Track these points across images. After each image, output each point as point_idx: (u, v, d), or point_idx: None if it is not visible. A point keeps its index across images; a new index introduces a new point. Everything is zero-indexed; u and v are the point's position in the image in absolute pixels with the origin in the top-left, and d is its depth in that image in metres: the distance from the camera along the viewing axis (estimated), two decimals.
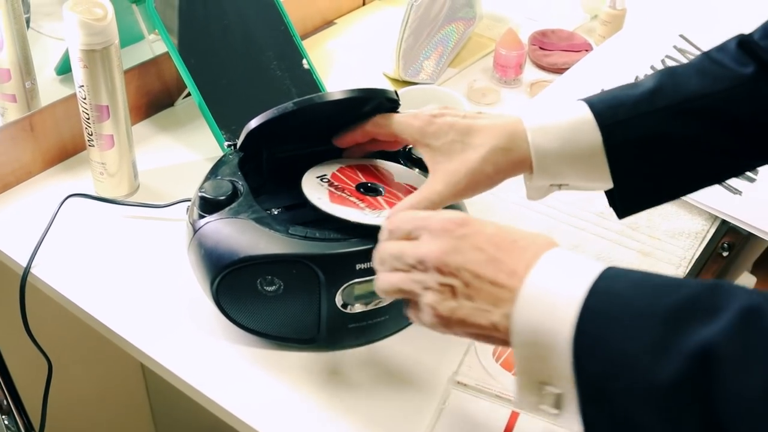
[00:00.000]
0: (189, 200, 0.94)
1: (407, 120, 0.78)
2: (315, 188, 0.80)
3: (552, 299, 0.55)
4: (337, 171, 0.83)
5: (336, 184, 0.81)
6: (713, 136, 0.74)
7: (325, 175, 0.82)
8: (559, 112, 0.74)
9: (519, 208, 1.02)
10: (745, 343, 0.48)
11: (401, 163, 0.87)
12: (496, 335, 0.59)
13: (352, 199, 0.79)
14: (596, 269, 0.55)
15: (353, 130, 0.82)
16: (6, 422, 1.08)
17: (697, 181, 0.79)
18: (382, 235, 0.66)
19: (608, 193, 0.77)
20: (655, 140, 0.73)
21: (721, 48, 0.76)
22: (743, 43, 0.75)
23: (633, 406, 0.51)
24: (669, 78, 0.75)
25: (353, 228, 0.76)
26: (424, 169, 0.83)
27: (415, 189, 0.80)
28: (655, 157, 0.74)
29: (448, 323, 0.61)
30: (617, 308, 0.53)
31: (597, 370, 0.53)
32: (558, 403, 0.56)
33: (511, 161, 0.74)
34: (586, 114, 0.73)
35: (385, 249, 0.65)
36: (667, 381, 0.49)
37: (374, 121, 0.80)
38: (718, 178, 0.81)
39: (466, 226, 0.61)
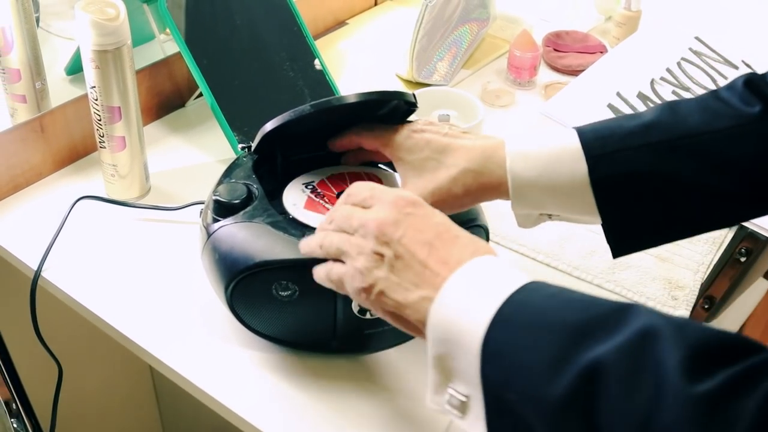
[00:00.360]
0: (202, 203, 0.93)
1: (387, 132, 0.77)
2: (296, 194, 0.80)
3: (471, 300, 0.56)
4: (327, 178, 0.83)
5: (318, 191, 0.81)
6: (709, 177, 0.69)
7: (312, 181, 0.82)
8: (546, 139, 0.72)
9: None
10: (634, 363, 0.48)
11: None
12: (410, 317, 0.60)
13: (328, 206, 0.79)
14: (521, 280, 0.56)
15: (343, 136, 0.81)
16: (15, 425, 1.07)
17: (692, 225, 0.74)
18: (341, 199, 0.68)
19: (604, 229, 0.73)
20: (645, 177, 0.69)
21: (730, 86, 0.72)
22: (751, 81, 0.71)
23: (530, 418, 0.51)
24: (669, 112, 0.71)
25: None
26: None
27: None
28: (645, 195, 0.70)
29: (369, 292, 0.62)
30: (527, 319, 0.53)
31: (498, 378, 0.53)
32: (463, 406, 0.57)
33: (483, 185, 0.73)
34: (574, 143, 0.70)
35: (337, 209, 0.66)
36: (557, 395, 0.49)
37: (358, 129, 0.79)
38: (716, 224, 0.76)
39: (415, 206, 0.63)
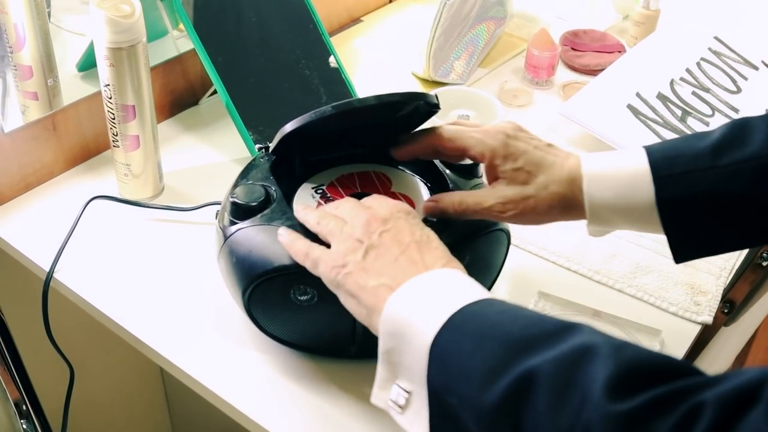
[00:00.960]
0: (217, 203, 0.91)
1: (479, 136, 0.75)
2: (306, 200, 0.79)
3: (428, 303, 0.59)
4: (336, 180, 0.82)
5: (328, 195, 0.80)
6: None
7: (321, 185, 0.81)
8: (618, 159, 0.72)
9: None
10: (565, 375, 0.49)
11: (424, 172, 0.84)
12: (365, 301, 0.62)
13: None
14: (481, 295, 0.59)
15: (413, 142, 0.78)
16: (25, 426, 1.06)
17: (755, 239, 0.74)
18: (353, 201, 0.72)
19: (667, 238, 0.74)
20: (711, 198, 0.69)
21: None
22: None
23: (469, 422, 0.53)
24: (739, 131, 0.70)
25: None
26: (460, 171, 0.81)
27: (410, 198, 0.80)
28: (710, 214, 0.70)
29: (338, 272, 0.65)
30: (476, 328, 0.55)
31: (442, 381, 0.55)
32: (406, 402, 0.59)
33: (564, 208, 0.73)
34: (643, 165, 0.70)
35: (347, 202, 0.71)
36: (492, 401, 0.51)
37: (438, 134, 0.76)
38: None
39: (408, 215, 0.68)
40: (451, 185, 0.80)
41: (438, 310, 0.57)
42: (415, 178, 0.83)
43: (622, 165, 0.71)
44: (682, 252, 0.73)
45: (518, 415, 0.50)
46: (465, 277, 0.62)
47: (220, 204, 0.80)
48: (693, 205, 0.69)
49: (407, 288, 0.61)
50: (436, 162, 0.83)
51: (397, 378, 0.60)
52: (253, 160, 0.83)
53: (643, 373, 0.47)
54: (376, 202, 0.69)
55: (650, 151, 0.71)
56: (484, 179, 0.79)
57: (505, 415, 0.51)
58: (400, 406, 0.59)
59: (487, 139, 0.74)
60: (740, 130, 0.70)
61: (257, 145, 0.85)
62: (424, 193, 0.81)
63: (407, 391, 0.58)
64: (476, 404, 0.52)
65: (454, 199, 0.74)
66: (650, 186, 0.69)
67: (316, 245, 0.68)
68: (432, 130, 0.77)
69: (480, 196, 0.74)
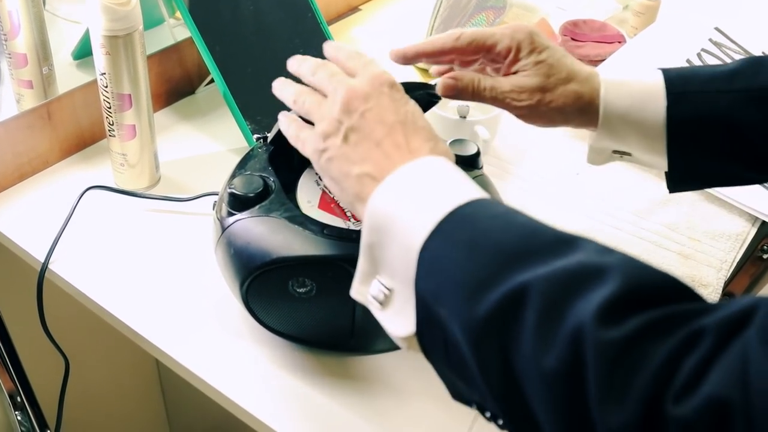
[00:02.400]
0: (214, 194, 0.90)
1: (506, 31, 0.75)
2: (310, 189, 0.78)
3: (417, 201, 0.55)
4: None
5: None
6: None
7: None
8: (636, 74, 0.73)
9: (556, 207, 0.99)
10: (559, 297, 0.46)
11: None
12: (349, 189, 0.60)
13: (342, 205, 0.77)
14: (471, 194, 0.55)
15: (422, 44, 0.78)
16: (19, 418, 1.05)
17: (757, 174, 0.75)
18: (332, 51, 0.69)
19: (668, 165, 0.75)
20: (722, 121, 0.70)
21: None
22: None
23: (457, 335, 0.50)
24: (753, 64, 0.71)
25: None
26: (461, 163, 0.79)
27: None
28: (716, 140, 0.71)
29: (319, 156, 0.62)
30: (467, 236, 0.52)
31: (431, 291, 0.52)
32: (386, 299, 0.56)
33: (579, 111, 0.73)
34: (659, 80, 0.71)
35: (326, 65, 0.67)
36: (480, 315, 0.48)
37: (455, 36, 0.76)
38: None
39: (392, 88, 0.63)
40: None
41: (428, 210, 0.54)
42: None
43: (639, 78, 0.72)
44: (678, 179, 0.74)
45: (505, 333, 0.48)
46: (453, 168, 0.58)
47: (217, 194, 0.79)
48: (701, 127, 0.70)
49: (393, 180, 0.57)
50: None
51: (378, 273, 0.57)
52: (251, 150, 0.82)
53: (640, 295, 0.45)
54: (361, 65, 0.65)
55: (667, 70, 0.72)
56: (484, 170, 0.78)
57: (492, 330, 0.48)
58: (380, 302, 0.56)
59: (514, 33, 0.74)
60: (757, 63, 0.72)
61: (255, 135, 0.84)
62: None
63: (388, 288, 0.56)
64: (464, 316, 0.50)
65: (474, 78, 0.73)
66: (663, 101, 0.70)
67: (305, 126, 0.66)
68: (446, 34, 0.76)
69: (498, 81, 0.73)
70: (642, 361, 0.42)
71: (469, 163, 0.81)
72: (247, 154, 0.81)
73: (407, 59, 0.78)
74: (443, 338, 0.52)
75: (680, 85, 0.70)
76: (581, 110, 0.73)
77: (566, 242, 0.50)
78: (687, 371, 0.41)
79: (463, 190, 0.56)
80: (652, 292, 0.45)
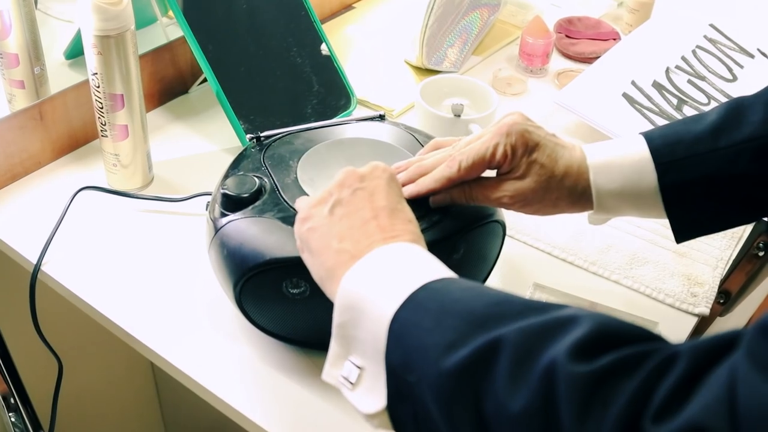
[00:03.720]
0: (207, 194, 0.90)
1: (496, 139, 0.72)
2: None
3: (389, 278, 0.56)
4: None
5: None
6: None
7: None
8: (620, 148, 0.72)
9: None
10: (533, 343, 0.46)
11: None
12: (325, 263, 0.60)
13: None
14: (444, 273, 0.56)
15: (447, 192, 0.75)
16: (13, 419, 1.05)
17: (756, 214, 0.76)
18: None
19: (669, 220, 0.75)
20: (712, 180, 0.70)
21: None
22: None
23: (427, 400, 0.50)
24: (734, 112, 0.71)
25: None
26: None
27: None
28: (712, 195, 0.71)
29: (302, 225, 0.63)
30: (437, 304, 0.53)
31: (400, 359, 0.52)
32: (357, 379, 0.56)
33: (573, 202, 0.73)
34: (645, 152, 0.71)
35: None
36: (449, 369, 0.48)
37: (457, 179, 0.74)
38: None
39: (389, 179, 0.65)
40: None
41: (399, 286, 0.54)
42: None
43: (624, 154, 0.72)
44: (684, 233, 0.74)
45: (478, 384, 0.47)
46: (428, 256, 0.59)
47: (210, 195, 0.79)
48: (695, 188, 0.70)
49: (369, 260, 0.58)
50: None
51: (350, 354, 0.57)
52: (245, 150, 0.81)
53: (612, 336, 0.45)
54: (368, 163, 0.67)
55: (650, 138, 0.72)
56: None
57: (464, 384, 0.48)
58: (351, 383, 0.56)
59: (507, 138, 0.71)
60: (735, 111, 0.72)
61: (248, 135, 0.83)
62: None
63: (359, 367, 0.56)
64: (433, 375, 0.49)
65: (464, 188, 0.73)
66: (653, 174, 0.70)
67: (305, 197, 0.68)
68: (444, 166, 0.73)
69: (489, 187, 0.73)
70: (616, 389, 0.42)
71: None
72: (241, 153, 0.81)
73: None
74: (413, 410, 0.52)
75: (667, 154, 0.70)
76: (575, 201, 0.73)
77: (536, 309, 0.50)
78: (664, 393, 0.41)
79: (436, 269, 0.57)
80: (624, 334, 0.46)
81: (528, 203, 0.72)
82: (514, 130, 0.71)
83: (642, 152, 0.71)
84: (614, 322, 0.47)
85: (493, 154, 0.71)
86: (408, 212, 0.63)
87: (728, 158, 0.69)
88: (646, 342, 0.45)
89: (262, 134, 0.83)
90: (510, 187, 0.72)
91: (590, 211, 0.74)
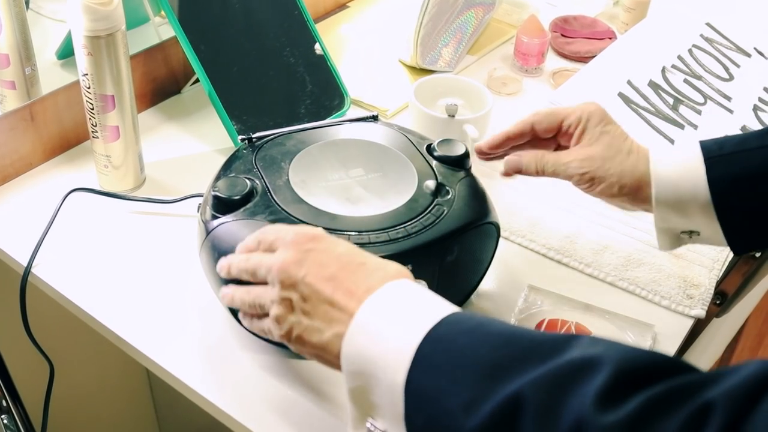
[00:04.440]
0: (199, 195, 0.89)
1: (579, 105, 0.79)
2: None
3: (387, 333, 0.54)
4: None
5: None
6: None
7: None
8: (678, 153, 0.76)
9: (547, 207, 0.97)
10: (552, 397, 0.46)
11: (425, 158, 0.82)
12: (328, 357, 0.58)
13: None
14: (439, 312, 0.54)
15: (508, 128, 0.81)
16: (5, 421, 1.04)
17: None
18: (249, 244, 0.65)
19: (723, 231, 0.76)
20: (758, 178, 0.72)
21: None
22: None
23: None
24: None
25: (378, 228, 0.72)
26: (451, 163, 0.80)
27: None
28: (758, 196, 0.72)
29: (289, 339, 0.60)
30: (447, 358, 0.52)
31: (422, 423, 0.52)
32: None
33: (636, 181, 0.76)
34: (696, 150, 0.74)
35: (250, 258, 0.64)
36: (474, 427, 0.48)
37: (533, 115, 0.80)
38: None
39: (315, 241, 0.61)
40: (439, 177, 0.78)
41: (402, 342, 0.53)
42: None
43: (679, 151, 0.75)
44: (739, 244, 0.76)
45: None
46: (410, 288, 0.57)
47: (202, 196, 0.78)
48: (742, 185, 0.72)
49: (357, 324, 0.56)
50: (423, 153, 0.81)
51: (369, 416, 0.56)
52: (236, 151, 0.81)
53: (635, 375, 0.44)
54: (275, 239, 0.63)
55: (703, 141, 0.75)
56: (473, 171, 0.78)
57: None
58: None
59: (587, 105, 0.79)
60: None
61: (240, 136, 0.82)
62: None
63: (381, 430, 0.56)
64: None
65: (537, 154, 0.78)
66: (702, 167, 0.73)
67: (262, 317, 0.64)
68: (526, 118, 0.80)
69: (559, 154, 0.78)
70: None
71: (456, 163, 0.80)
72: (232, 155, 0.80)
73: (496, 148, 0.83)
74: None
75: (715, 150, 0.73)
76: (636, 185, 0.76)
77: (546, 349, 0.49)
78: None
79: (429, 309, 0.55)
80: (647, 371, 0.45)
81: (595, 174, 0.76)
82: (594, 104, 0.79)
83: (694, 150, 0.74)
84: (633, 356, 0.46)
85: (569, 114, 0.78)
86: (357, 254, 0.61)
87: None
88: (672, 375, 0.44)
89: (253, 135, 0.82)
90: (581, 152, 0.76)
91: (656, 212, 0.76)
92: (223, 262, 0.66)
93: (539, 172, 0.79)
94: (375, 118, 0.87)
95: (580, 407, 0.43)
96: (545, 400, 0.46)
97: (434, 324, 0.53)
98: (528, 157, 0.79)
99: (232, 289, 0.65)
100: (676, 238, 0.78)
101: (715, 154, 0.73)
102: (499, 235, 0.80)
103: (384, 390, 0.54)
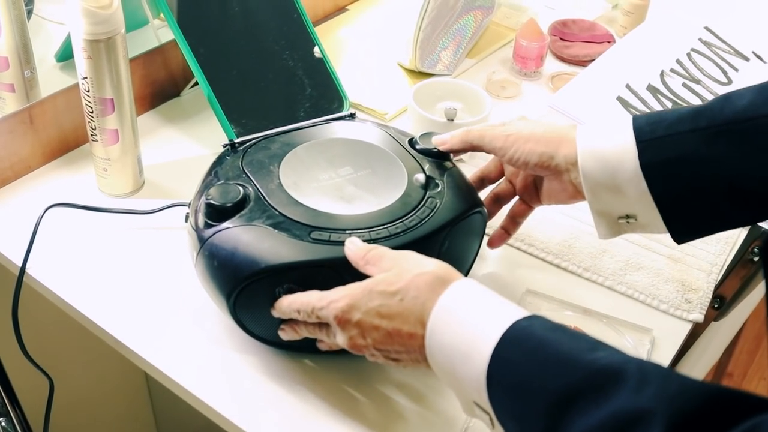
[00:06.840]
0: (181, 204, 0.88)
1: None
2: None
3: (462, 347, 0.60)
4: None
5: None
6: (757, 162, 0.67)
7: None
8: (607, 131, 0.73)
9: (545, 211, 0.97)
10: None
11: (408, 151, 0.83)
12: (411, 360, 0.65)
13: None
14: (501, 317, 0.59)
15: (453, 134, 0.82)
16: (3, 424, 1.04)
17: (751, 212, 0.71)
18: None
19: (663, 219, 0.73)
20: (692, 162, 0.68)
21: None
22: None
23: None
24: (722, 98, 0.70)
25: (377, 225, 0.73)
26: (434, 156, 0.82)
27: None
28: (695, 181, 0.69)
29: (371, 358, 0.68)
30: (513, 383, 0.56)
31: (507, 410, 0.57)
32: (491, 422, 0.59)
33: (562, 184, 0.76)
34: (629, 134, 0.71)
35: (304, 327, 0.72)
36: None
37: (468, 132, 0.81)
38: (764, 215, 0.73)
39: (353, 311, 0.65)
40: (426, 170, 0.80)
41: (474, 361, 0.58)
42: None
43: (611, 137, 0.72)
44: (679, 231, 0.73)
45: None
46: (465, 293, 0.63)
47: (184, 205, 0.77)
48: (675, 169, 0.69)
49: (431, 345, 0.62)
50: (406, 147, 0.82)
51: (473, 400, 0.61)
52: (218, 158, 0.81)
53: (704, 419, 0.44)
54: (324, 301, 0.68)
55: (636, 119, 0.71)
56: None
57: None
58: (487, 423, 0.60)
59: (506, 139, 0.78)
60: (723, 97, 0.70)
61: (222, 143, 0.83)
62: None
63: (487, 412, 0.59)
64: None
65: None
66: (633, 150, 0.69)
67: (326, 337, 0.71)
68: (465, 131, 0.81)
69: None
70: None
71: (441, 156, 0.82)
72: (215, 161, 0.81)
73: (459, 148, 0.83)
74: None
75: (648, 132, 0.69)
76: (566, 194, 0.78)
77: (601, 374, 0.52)
78: None
79: (492, 322, 0.59)
80: (703, 417, 0.45)
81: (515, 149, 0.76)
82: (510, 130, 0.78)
83: (626, 134, 0.71)
84: (686, 406, 0.46)
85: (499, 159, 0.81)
86: (388, 297, 0.65)
87: (706, 138, 0.67)
88: (740, 418, 0.43)
89: (236, 140, 0.82)
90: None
91: (589, 197, 0.74)
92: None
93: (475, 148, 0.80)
94: (352, 117, 0.88)
95: None
96: None
97: (498, 337, 0.57)
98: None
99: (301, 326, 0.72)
100: (614, 223, 0.75)
101: (647, 137, 0.69)
102: (485, 225, 0.82)
103: (472, 393, 0.60)
